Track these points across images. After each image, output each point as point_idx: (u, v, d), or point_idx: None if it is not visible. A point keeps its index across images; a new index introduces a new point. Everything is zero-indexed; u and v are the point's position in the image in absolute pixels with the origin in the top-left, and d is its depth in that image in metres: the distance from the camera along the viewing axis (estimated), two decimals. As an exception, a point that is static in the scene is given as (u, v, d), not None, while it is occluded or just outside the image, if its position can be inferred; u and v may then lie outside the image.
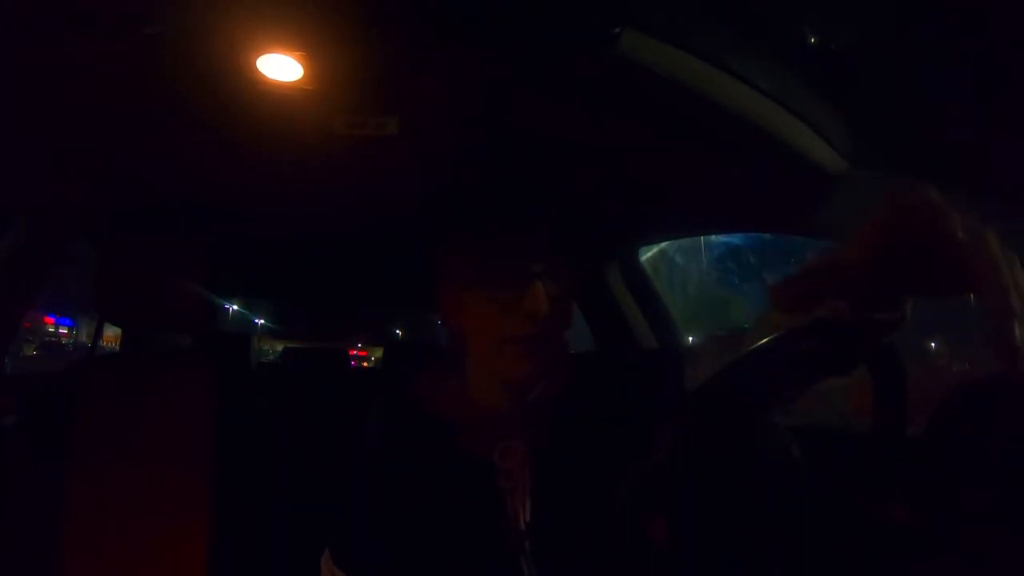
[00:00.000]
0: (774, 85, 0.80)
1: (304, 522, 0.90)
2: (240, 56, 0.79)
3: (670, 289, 1.69)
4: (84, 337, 11.98)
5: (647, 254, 1.66)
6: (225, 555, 1.09)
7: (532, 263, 0.64)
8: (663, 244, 1.67)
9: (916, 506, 0.48)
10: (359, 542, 0.69)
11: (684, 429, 0.49)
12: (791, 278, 0.35)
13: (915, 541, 0.46)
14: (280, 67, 0.82)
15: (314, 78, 0.84)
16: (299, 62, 0.81)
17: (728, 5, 0.74)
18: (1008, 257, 0.31)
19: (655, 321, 1.64)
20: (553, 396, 0.71)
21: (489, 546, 0.64)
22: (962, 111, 0.72)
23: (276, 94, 0.87)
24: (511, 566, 0.63)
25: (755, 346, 0.51)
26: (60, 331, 13.92)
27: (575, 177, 1.18)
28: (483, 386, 0.70)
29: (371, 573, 0.67)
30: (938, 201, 0.32)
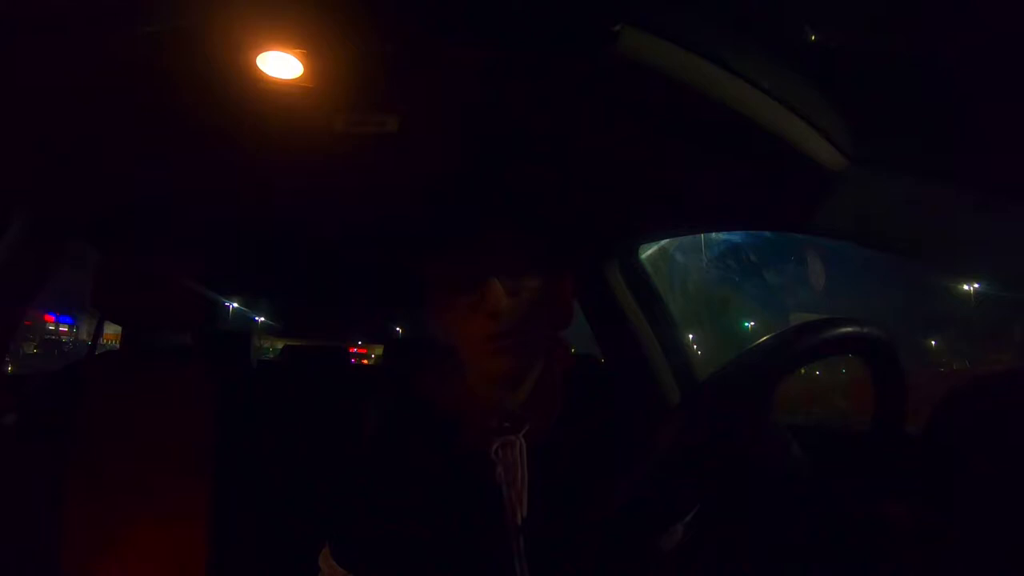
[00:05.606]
0: (774, 83, 0.80)
1: (303, 518, 0.90)
2: (240, 54, 0.79)
3: (670, 287, 1.69)
4: (84, 335, 11.98)
5: (647, 252, 1.66)
6: (225, 551, 1.10)
7: (489, 260, 0.64)
8: (663, 242, 1.67)
9: (916, 506, 0.48)
10: (358, 537, 0.69)
11: (684, 428, 0.49)
12: None
13: (915, 541, 0.46)
14: (280, 65, 0.81)
15: (314, 76, 0.84)
16: (299, 60, 0.80)
17: (728, 2, 0.74)
18: None
19: (655, 319, 1.64)
20: (552, 393, 0.71)
21: (485, 541, 0.64)
22: (962, 108, 0.72)
23: (276, 92, 0.87)
24: (505, 561, 0.64)
25: (752, 346, 0.51)
26: (60, 329, 13.94)
27: (575, 175, 1.18)
28: (476, 383, 0.71)
29: (369, 568, 0.67)
30: None
